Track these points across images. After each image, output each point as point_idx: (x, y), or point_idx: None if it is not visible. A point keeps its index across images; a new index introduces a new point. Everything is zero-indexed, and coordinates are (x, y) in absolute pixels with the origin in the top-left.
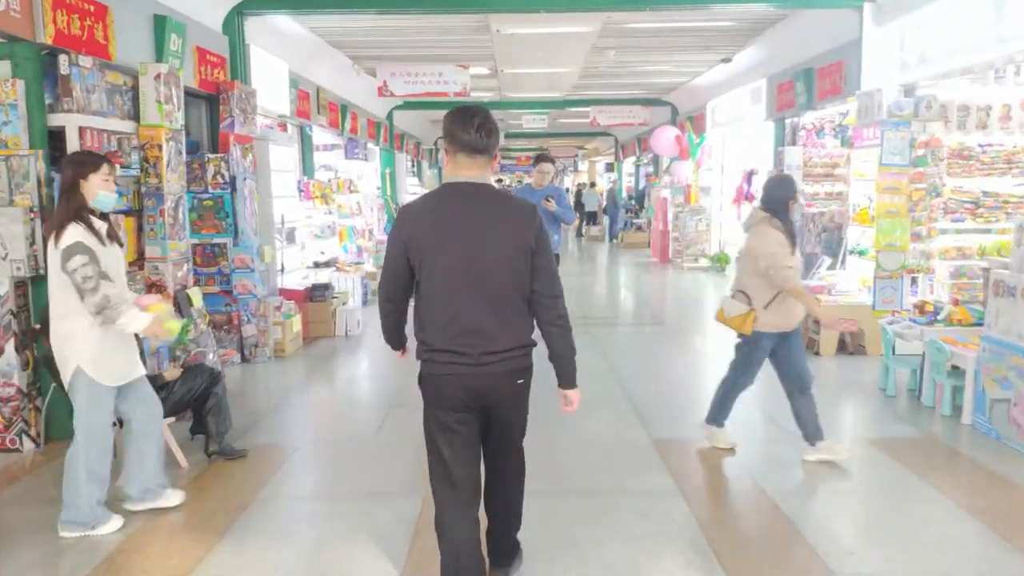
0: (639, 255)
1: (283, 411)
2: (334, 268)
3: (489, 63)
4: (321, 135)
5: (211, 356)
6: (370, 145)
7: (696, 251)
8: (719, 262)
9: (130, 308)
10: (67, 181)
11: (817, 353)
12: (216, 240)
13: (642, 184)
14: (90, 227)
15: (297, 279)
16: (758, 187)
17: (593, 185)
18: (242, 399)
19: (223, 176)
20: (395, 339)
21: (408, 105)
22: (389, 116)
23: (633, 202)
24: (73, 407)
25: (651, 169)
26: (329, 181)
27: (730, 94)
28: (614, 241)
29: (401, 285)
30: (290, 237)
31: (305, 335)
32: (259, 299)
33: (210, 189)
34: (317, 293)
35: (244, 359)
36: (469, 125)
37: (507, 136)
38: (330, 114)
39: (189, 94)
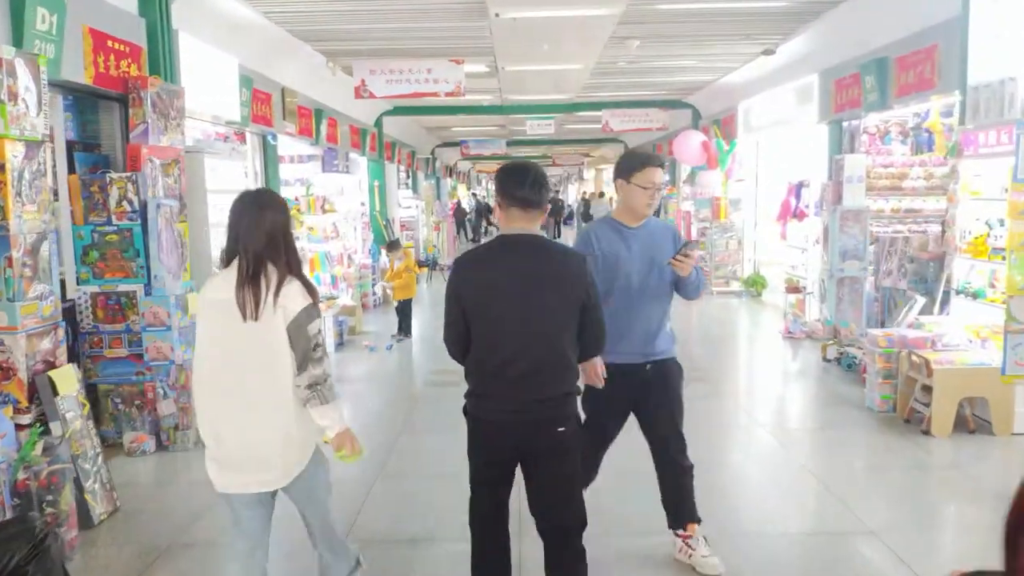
0: None
1: (211, 527)
2: None
3: (487, 58)
4: (291, 145)
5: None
6: (353, 155)
7: (726, 273)
8: (754, 286)
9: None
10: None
11: (927, 432)
12: (123, 287)
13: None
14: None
15: None
16: (810, 201)
17: (602, 195)
18: (151, 510)
19: (131, 202)
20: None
21: (399, 110)
22: (378, 123)
23: None
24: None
25: (667, 178)
26: (296, 200)
27: (769, 93)
28: None
29: (462, 332)
30: None
31: None
32: (180, 365)
33: (114, 220)
34: None
35: (160, 446)
36: (523, 181)
37: (509, 144)
38: (301, 120)
39: (89, 94)
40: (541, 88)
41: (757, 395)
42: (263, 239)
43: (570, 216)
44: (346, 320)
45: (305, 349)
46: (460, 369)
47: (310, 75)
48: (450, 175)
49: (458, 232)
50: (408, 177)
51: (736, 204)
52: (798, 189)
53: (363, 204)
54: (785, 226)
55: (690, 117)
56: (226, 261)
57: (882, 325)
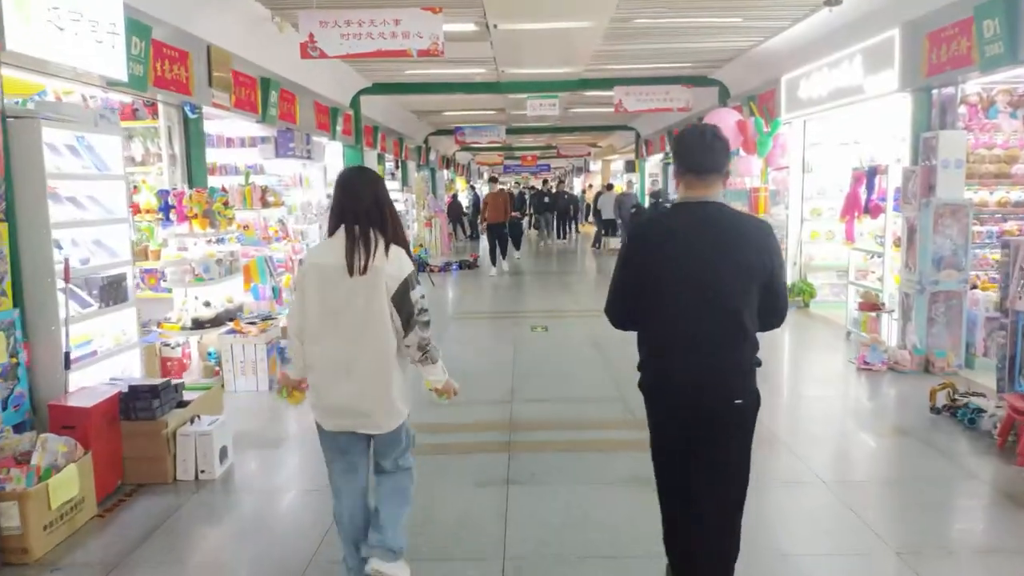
0: None
1: None
2: (227, 328)
3: (474, 11)
4: (237, 124)
5: None
6: (319, 139)
7: None
8: (801, 296)
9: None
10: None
11: None
12: None
13: (672, 186)
14: None
15: (123, 366)
16: (890, 190)
17: (611, 187)
18: None
19: None
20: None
21: (379, 88)
22: (354, 103)
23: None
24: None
25: None
26: (223, 191)
27: (827, 60)
28: None
29: (634, 297)
30: (110, 294)
31: (112, 488)
32: None
33: None
34: (137, 404)
35: None
36: (695, 145)
37: (509, 132)
38: (239, 90)
39: None
40: (544, 58)
41: (851, 483)
42: (370, 207)
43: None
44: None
45: (410, 312)
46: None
47: (250, 32)
48: (447, 167)
49: (454, 229)
50: (397, 167)
51: (777, 197)
52: (870, 178)
53: (329, 197)
54: (852, 224)
55: (716, 96)
56: (331, 231)
57: (1014, 364)
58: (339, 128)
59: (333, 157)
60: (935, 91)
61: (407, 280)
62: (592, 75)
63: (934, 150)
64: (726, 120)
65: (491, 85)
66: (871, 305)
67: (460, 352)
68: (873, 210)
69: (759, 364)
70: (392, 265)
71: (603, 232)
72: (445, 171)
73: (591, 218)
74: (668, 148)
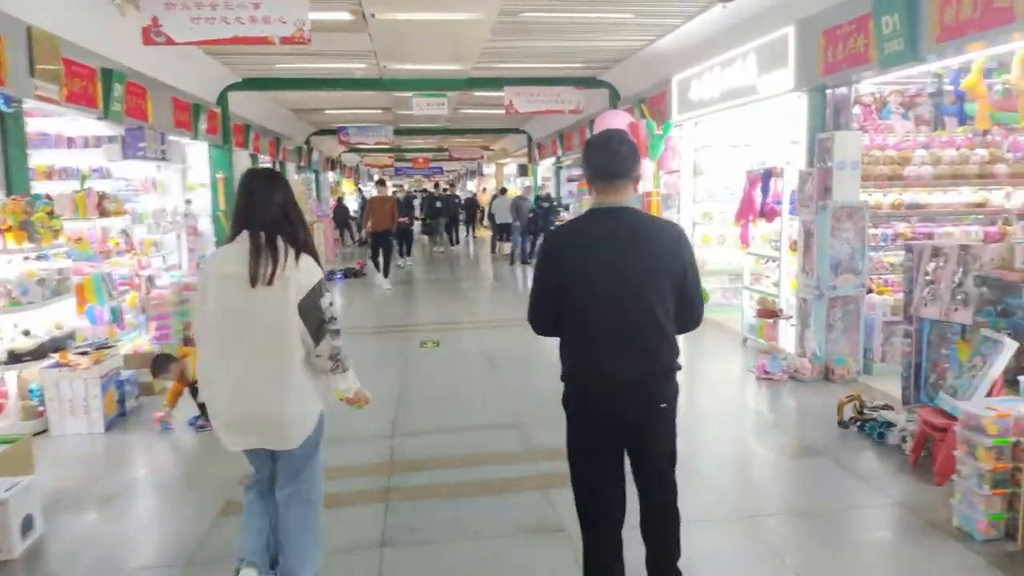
0: None
1: None
2: (52, 360)
3: (349, 0)
4: (80, 122)
5: None
6: (178, 138)
7: None
8: None
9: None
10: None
11: None
12: None
13: (566, 191)
14: None
15: None
16: (785, 193)
17: (504, 191)
18: None
19: None
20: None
21: (249, 83)
22: (222, 99)
23: (558, 206)
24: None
25: (579, 172)
26: (47, 198)
27: (720, 59)
28: (529, 263)
29: (553, 303)
30: None
31: None
32: None
33: None
34: None
35: None
36: (602, 152)
37: (397, 132)
38: (72, 81)
39: None
40: (429, 53)
41: (768, 517)
42: (275, 213)
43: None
44: (134, 376)
45: (319, 321)
46: None
47: (86, 15)
48: (333, 169)
49: (340, 234)
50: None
51: (669, 201)
52: (765, 180)
53: (189, 203)
54: (747, 228)
55: (607, 98)
56: (231, 236)
57: (919, 373)
58: (203, 126)
59: (197, 158)
60: (829, 91)
61: (316, 288)
62: (481, 74)
63: (829, 151)
64: (617, 123)
65: (373, 82)
66: (768, 312)
67: None
68: (769, 213)
69: (679, 368)
70: (301, 274)
71: (498, 237)
72: (331, 173)
73: (486, 222)
74: (560, 152)
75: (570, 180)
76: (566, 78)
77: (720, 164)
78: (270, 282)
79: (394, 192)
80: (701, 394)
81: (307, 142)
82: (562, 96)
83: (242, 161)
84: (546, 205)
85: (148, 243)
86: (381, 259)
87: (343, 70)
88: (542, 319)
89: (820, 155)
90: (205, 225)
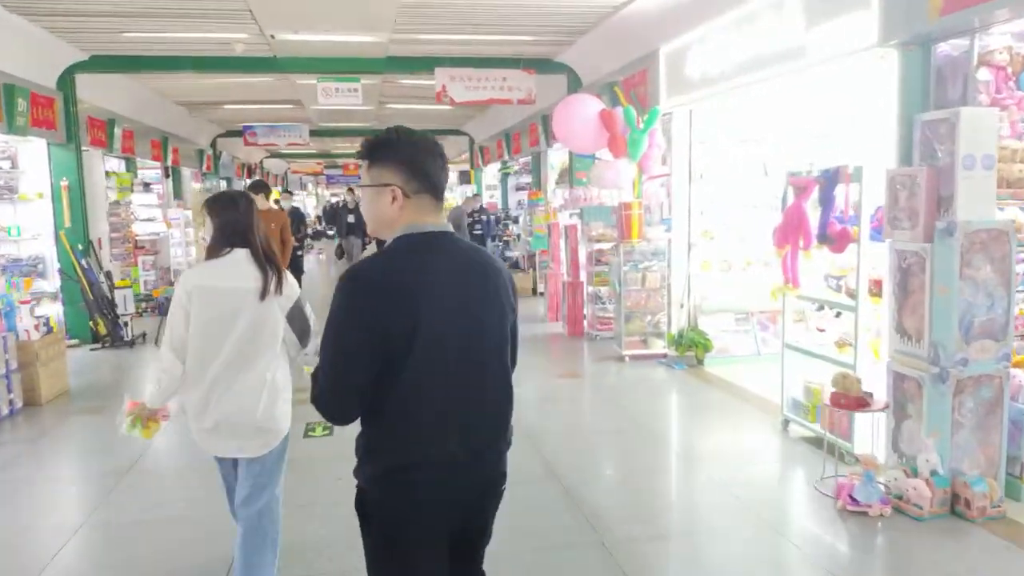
0: (526, 317)
1: None
2: None
3: None
4: None
5: None
6: None
7: (644, 325)
8: (693, 349)
9: None
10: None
11: None
12: None
13: (514, 200)
14: None
15: None
16: (864, 208)
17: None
18: None
19: None
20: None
21: (100, 62)
22: (65, 83)
23: (502, 221)
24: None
25: (530, 179)
26: None
27: (737, 14)
28: None
29: (369, 373)
30: None
31: None
32: None
33: None
34: None
35: None
36: (434, 155)
37: (316, 134)
38: None
39: None
40: (327, 14)
41: None
42: (257, 232)
43: None
44: None
45: (304, 325)
46: None
47: None
48: (249, 175)
49: None
50: (168, 176)
51: (655, 214)
52: (826, 187)
53: None
54: (795, 258)
55: (565, 85)
56: (215, 252)
57: None
58: (24, 117)
59: (31, 160)
60: (940, 47)
61: (300, 298)
62: (403, 51)
63: (950, 140)
64: (584, 110)
65: (263, 61)
66: (855, 401)
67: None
68: (837, 238)
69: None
70: (287, 286)
71: None
72: (248, 182)
73: None
74: (506, 155)
75: (519, 189)
76: (513, 58)
77: (727, 164)
78: (279, 293)
79: (290, 207)
80: (742, 552)
81: (213, 144)
82: (510, 81)
83: (94, 164)
84: (484, 218)
85: None
86: None
87: (218, 43)
88: (351, 396)
89: (926, 147)
90: (37, 248)
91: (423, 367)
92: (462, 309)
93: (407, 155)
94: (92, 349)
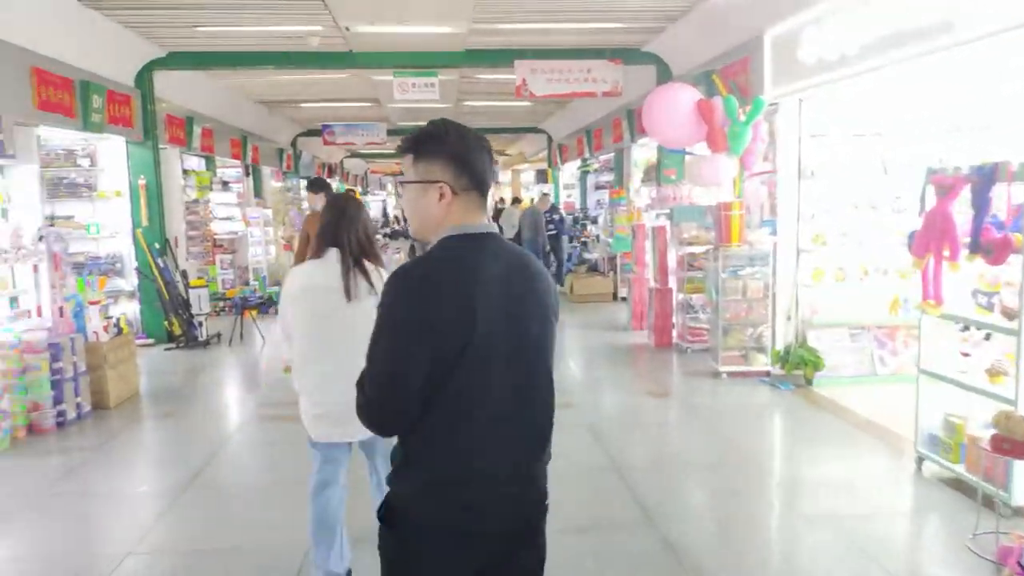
0: (607, 325)
1: None
2: None
3: None
4: None
5: None
6: (40, 129)
7: (744, 339)
8: (801, 367)
9: None
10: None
11: None
12: None
13: (593, 200)
14: None
15: None
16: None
17: (517, 201)
18: None
19: None
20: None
21: (177, 58)
22: (142, 81)
23: (580, 220)
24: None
25: (610, 176)
26: None
27: None
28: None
29: (420, 377)
30: None
31: None
32: None
33: None
34: None
35: None
36: (481, 150)
37: (394, 133)
38: None
39: None
40: (405, 5)
41: None
42: (363, 234)
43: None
44: None
45: None
46: None
47: None
48: (331, 176)
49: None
50: (249, 175)
51: (755, 215)
52: (980, 187)
53: (50, 222)
54: (939, 271)
55: (653, 76)
56: (316, 252)
57: None
58: (100, 114)
59: (110, 158)
60: None
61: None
62: (482, 43)
63: None
64: (678, 101)
65: (338, 56)
66: (1022, 447)
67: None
68: (994, 247)
69: None
70: (382, 283)
71: None
72: (331, 182)
73: None
74: (587, 153)
75: (599, 187)
76: (597, 49)
77: (841, 161)
78: (358, 297)
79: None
80: None
81: (294, 144)
82: (594, 73)
83: (171, 162)
84: (556, 217)
85: None
86: None
87: (293, 37)
88: (403, 404)
89: None
90: (115, 246)
91: (472, 375)
92: (511, 315)
93: (457, 149)
94: (166, 349)
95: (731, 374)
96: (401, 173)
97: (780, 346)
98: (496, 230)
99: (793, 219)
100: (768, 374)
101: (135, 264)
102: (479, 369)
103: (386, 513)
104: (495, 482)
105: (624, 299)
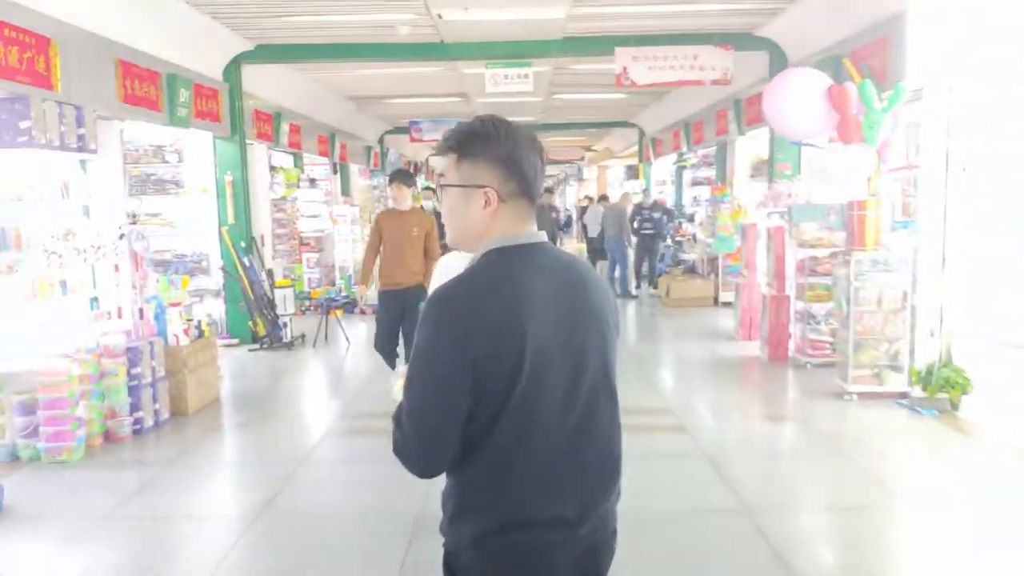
0: (710, 333)
1: None
2: None
3: None
4: None
5: None
6: (121, 121)
7: (878, 356)
8: (946, 389)
9: None
10: None
11: None
12: None
13: (689, 197)
14: None
15: None
16: None
17: (605, 199)
18: None
19: None
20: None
21: (266, 51)
22: (231, 75)
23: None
24: None
25: (710, 172)
26: None
27: None
28: (638, 292)
29: (458, 426)
30: None
31: None
32: None
33: None
34: None
35: None
36: (533, 153)
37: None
38: None
39: None
40: None
41: None
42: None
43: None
44: None
45: None
46: None
47: None
48: (417, 173)
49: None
50: (336, 172)
51: (885, 216)
52: None
53: (132, 220)
54: None
55: (765, 64)
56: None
57: None
58: (187, 108)
59: (195, 154)
60: None
61: None
62: (581, 29)
63: None
64: (805, 88)
65: (430, 48)
66: None
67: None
68: None
69: None
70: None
71: (592, 257)
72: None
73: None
74: (684, 147)
75: (695, 183)
76: (702, 34)
77: (996, 156)
78: None
79: (433, 208)
80: None
81: (381, 141)
82: (701, 60)
83: (258, 158)
84: (656, 216)
85: (43, 284)
86: (401, 343)
87: (383, 26)
88: (444, 445)
89: None
90: (201, 244)
91: (527, 407)
92: (569, 336)
93: (507, 150)
94: (250, 350)
95: (861, 395)
96: (442, 174)
97: (921, 365)
98: (545, 239)
99: (939, 220)
100: (905, 396)
101: (220, 263)
102: (536, 399)
103: (447, 569)
104: (565, 526)
105: (727, 304)
